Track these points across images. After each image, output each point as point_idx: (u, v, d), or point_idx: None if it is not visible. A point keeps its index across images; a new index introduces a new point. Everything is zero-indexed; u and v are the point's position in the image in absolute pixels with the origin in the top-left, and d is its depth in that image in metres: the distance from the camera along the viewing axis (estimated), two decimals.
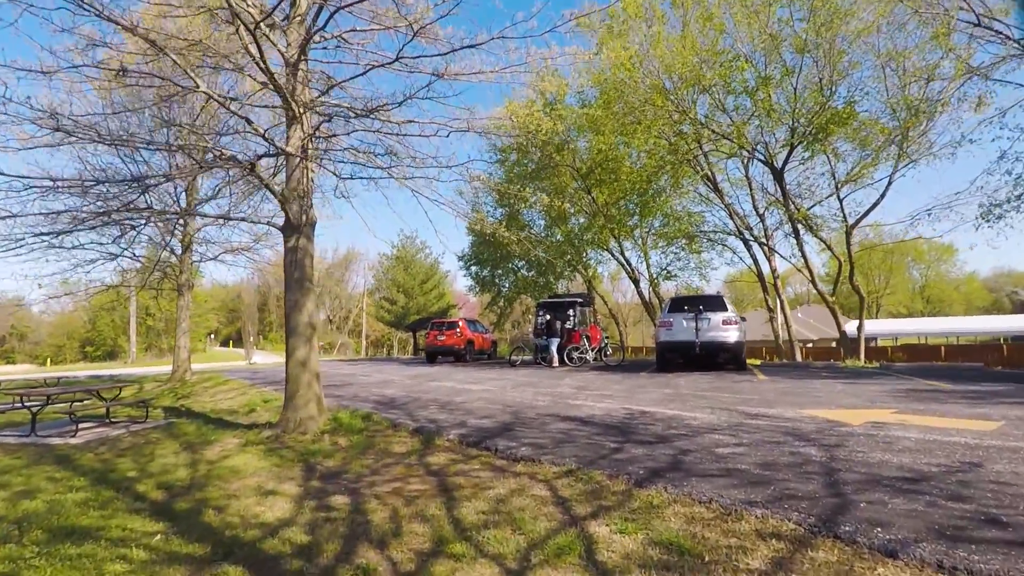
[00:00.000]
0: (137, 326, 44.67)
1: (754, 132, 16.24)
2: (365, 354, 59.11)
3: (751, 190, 19.30)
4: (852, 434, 5.28)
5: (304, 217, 7.78)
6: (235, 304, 72.84)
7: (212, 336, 65.61)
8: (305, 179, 7.80)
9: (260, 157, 6.80)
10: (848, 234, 16.23)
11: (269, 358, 45.46)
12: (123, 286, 18.21)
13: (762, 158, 16.97)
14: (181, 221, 17.08)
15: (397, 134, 8.50)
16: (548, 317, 17.02)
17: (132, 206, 8.08)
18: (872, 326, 43.49)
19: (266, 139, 6.49)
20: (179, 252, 17.40)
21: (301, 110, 7.63)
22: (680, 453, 4.87)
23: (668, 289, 26.14)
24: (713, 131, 16.10)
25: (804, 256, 17.89)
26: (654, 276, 24.82)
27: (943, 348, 28.38)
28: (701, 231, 20.31)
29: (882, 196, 15.52)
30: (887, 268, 62.94)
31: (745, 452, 4.78)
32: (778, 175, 16.82)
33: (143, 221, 12.37)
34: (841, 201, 16.19)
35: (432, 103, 8.20)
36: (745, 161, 19.18)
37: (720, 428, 5.80)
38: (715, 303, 12.23)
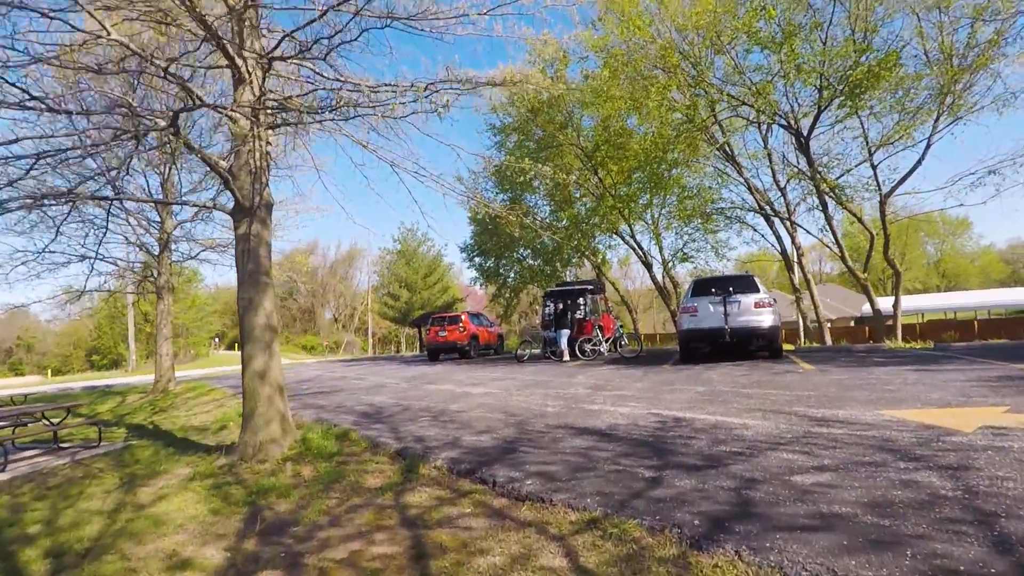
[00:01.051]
0: (137, 333, 43.68)
1: (777, 96, 14.74)
2: (372, 352, 58.10)
3: (771, 162, 17.82)
4: (972, 447, 3.92)
5: (258, 198, 6.45)
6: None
7: (217, 340, 64.76)
8: (256, 150, 6.46)
9: (179, 112, 5.45)
10: (882, 204, 14.73)
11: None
12: (100, 291, 16.97)
13: (784, 124, 15.45)
14: (158, 216, 15.86)
15: (373, 105, 7.17)
16: (557, 307, 15.65)
17: (54, 191, 6.79)
18: (883, 304, 41.90)
19: (186, 90, 5.15)
20: (156, 251, 16.15)
21: (249, 67, 6.30)
22: (744, 485, 3.53)
23: (681, 273, 24.73)
24: (732, 97, 14.60)
25: (832, 230, 16.40)
26: (667, 259, 23.40)
27: (976, 323, 26.82)
28: (718, 208, 18.85)
29: (920, 160, 13.99)
30: (902, 243, 61.10)
31: (835, 482, 3.44)
32: (803, 143, 15.30)
33: (106, 215, 11.12)
34: (875, 168, 14.67)
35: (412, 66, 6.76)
36: (764, 131, 17.68)
37: (785, 442, 4.45)
38: (745, 284, 10.83)
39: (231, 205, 6.63)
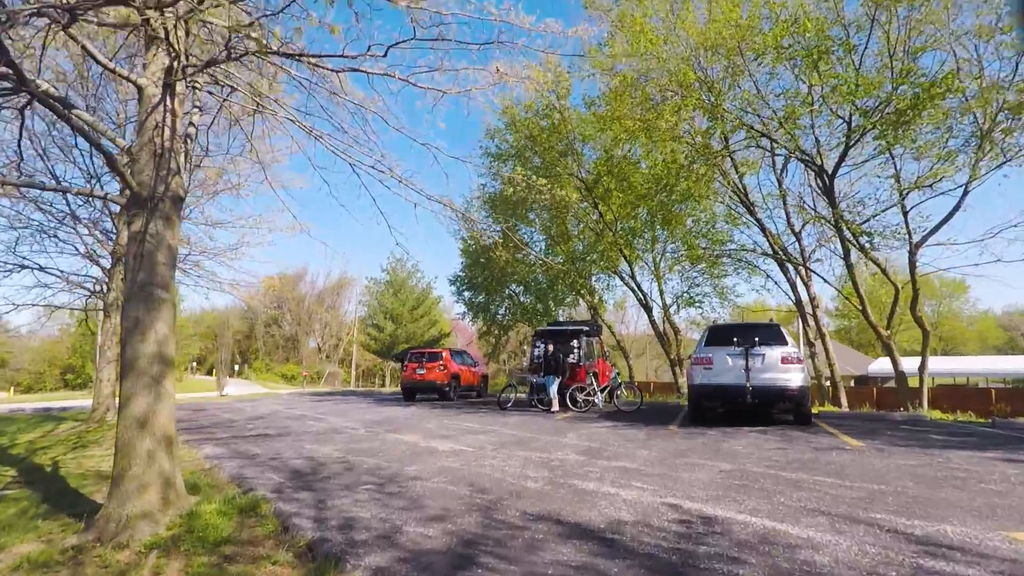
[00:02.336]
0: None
1: (800, 131, 13.45)
2: (355, 384, 55.79)
3: (785, 204, 16.52)
4: None
5: (161, 187, 4.91)
6: (223, 330, 69.75)
7: (195, 364, 62.43)
8: (165, 126, 4.96)
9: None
10: (912, 253, 13.32)
11: (251, 387, 42.22)
12: (40, 305, 15.25)
13: (807, 160, 14.15)
14: (113, 226, 14.29)
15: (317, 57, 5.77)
16: (547, 349, 13.97)
17: None
18: (887, 364, 40.53)
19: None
20: (109, 265, 14.54)
21: (164, 28, 4.84)
22: None
23: (680, 320, 23.16)
24: (750, 128, 13.33)
25: (853, 280, 14.96)
26: (668, 304, 21.90)
27: (993, 392, 25.25)
28: (727, 251, 17.43)
29: (957, 206, 12.62)
30: (902, 302, 60.02)
31: None
32: (826, 183, 13.96)
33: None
34: (905, 214, 13.29)
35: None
36: (780, 170, 16.43)
37: None
38: (771, 335, 9.25)
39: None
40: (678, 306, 20.06)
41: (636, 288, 21.90)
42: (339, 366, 60.80)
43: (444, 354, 18.23)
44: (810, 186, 16.16)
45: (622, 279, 22.60)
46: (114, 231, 14.32)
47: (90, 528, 4.53)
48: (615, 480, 5.37)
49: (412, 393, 18.47)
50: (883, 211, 13.89)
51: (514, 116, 19.34)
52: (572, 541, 3.71)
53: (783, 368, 8.80)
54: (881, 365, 41.13)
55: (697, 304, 19.05)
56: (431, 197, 6.06)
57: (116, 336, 14.71)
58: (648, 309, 22.02)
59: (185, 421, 12.86)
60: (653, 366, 61.73)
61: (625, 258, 21.22)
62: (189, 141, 5.56)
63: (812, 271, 16.71)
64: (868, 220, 14.51)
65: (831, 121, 13.30)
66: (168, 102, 4.98)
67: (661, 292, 22.15)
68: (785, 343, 9.07)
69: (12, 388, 48.84)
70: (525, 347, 32.99)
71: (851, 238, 14.44)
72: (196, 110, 5.81)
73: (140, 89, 4.99)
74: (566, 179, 20.59)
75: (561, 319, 25.53)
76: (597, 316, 24.85)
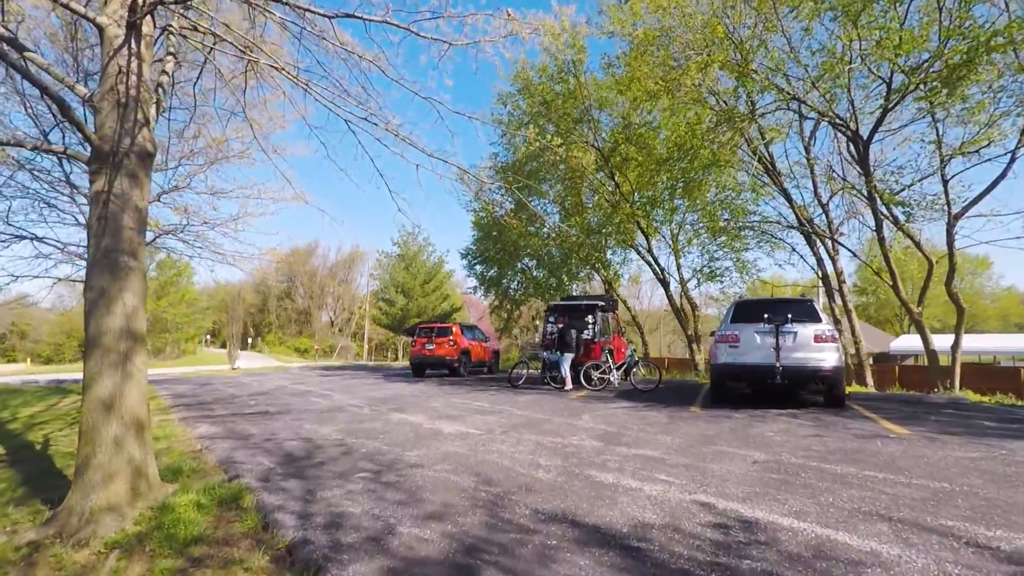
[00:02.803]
0: None
1: (835, 91, 12.45)
2: (367, 358, 55.74)
3: (812, 174, 15.61)
4: None
5: (127, 141, 4.34)
6: (235, 304, 69.91)
7: (209, 337, 62.80)
8: (130, 72, 4.37)
9: None
10: (951, 225, 12.41)
11: (263, 361, 42.21)
12: (43, 276, 14.86)
13: (841, 124, 13.20)
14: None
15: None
16: (560, 325, 13.38)
17: None
18: (909, 342, 39.59)
19: None
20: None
21: None
22: None
23: (697, 296, 22.37)
24: (781, 90, 12.39)
25: (884, 254, 14.10)
26: (685, 279, 21.15)
27: (1022, 371, 24.35)
28: (751, 223, 16.56)
29: (1003, 174, 11.65)
30: (921, 278, 58.50)
31: None
32: (861, 149, 13.05)
33: None
34: (946, 183, 12.35)
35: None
36: (808, 137, 15.48)
37: None
38: (803, 311, 8.56)
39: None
40: (698, 280, 19.25)
41: (653, 262, 21.16)
42: (351, 340, 60.83)
43: (454, 329, 17.72)
44: (840, 154, 15.23)
45: (638, 252, 21.84)
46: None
47: (52, 521, 4.08)
48: (637, 471, 4.82)
49: (421, 369, 18.05)
50: (921, 180, 12.98)
51: (527, 81, 18.46)
52: (590, 550, 3.18)
53: (816, 347, 8.15)
54: (904, 343, 40.16)
55: (718, 278, 18.23)
56: (433, 155, 5.43)
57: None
58: (665, 284, 21.28)
59: (187, 396, 12.53)
60: (667, 341, 61.02)
61: (642, 231, 20.46)
62: (162, 91, 4.96)
63: (840, 244, 15.85)
64: (904, 190, 13.61)
65: (868, 84, 12.33)
66: (133, 44, 4.38)
67: (679, 266, 21.41)
68: (819, 320, 8.39)
69: (30, 359, 49.41)
70: (538, 322, 32.56)
71: (884, 210, 13.57)
72: (170, 57, 5.20)
73: (100, 29, 4.39)
74: (581, 147, 19.81)
75: (575, 293, 24.89)
76: (612, 290, 24.18)
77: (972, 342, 40.83)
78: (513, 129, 19.58)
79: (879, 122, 12.48)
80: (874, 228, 14.05)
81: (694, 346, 20.81)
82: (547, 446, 5.97)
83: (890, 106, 11.85)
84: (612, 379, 12.79)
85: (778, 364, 8.17)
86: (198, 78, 6.90)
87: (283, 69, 4.94)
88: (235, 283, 73.24)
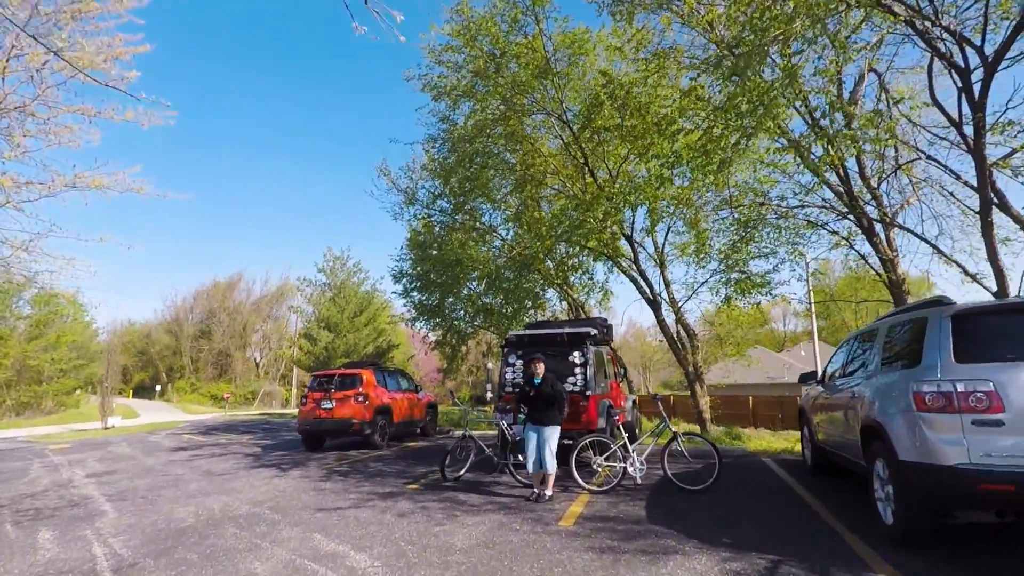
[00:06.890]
0: None
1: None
2: (298, 403, 48.24)
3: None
4: None
5: None
6: (144, 345, 61.14)
7: (105, 386, 53.88)
8: None
9: None
10: None
11: (164, 413, 34.49)
12: None
13: (945, 53, 8.49)
14: None
15: None
16: (534, 368, 7.32)
17: None
18: None
19: None
20: None
21: None
22: None
23: (693, 321, 16.82)
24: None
25: (991, 240, 9.29)
26: (677, 300, 16.01)
27: None
28: (788, 207, 11.43)
29: None
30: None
31: None
32: (970, 89, 8.24)
33: None
34: None
35: None
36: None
37: None
38: None
39: None
40: (728, 292, 13.49)
41: (639, 276, 15.90)
42: (280, 384, 53.13)
43: (364, 376, 11.71)
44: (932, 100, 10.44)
45: (620, 268, 16.61)
46: None
47: None
48: None
49: (316, 439, 11.96)
50: None
51: (468, 24, 13.14)
52: None
53: None
54: None
55: (757, 288, 12.67)
56: None
57: None
58: (656, 305, 16.05)
59: None
60: (649, 379, 55.76)
61: (626, 237, 15.37)
62: None
63: (936, 247, 10.90)
64: (1011, 155, 9.03)
65: None
66: None
67: (667, 284, 16.32)
68: None
69: None
70: (489, 363, 26.50)
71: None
72: None
73: None
74: (544, 122, 14.67)
75: (541, 319, 19.35)
76: (585, 314, 18.78)
77: None
78: (449, 99, 14.31)
79: (1009, 42, 7.60)
80: (977, 211, 9.15)
81: (697, 387, 15.57)
82: None
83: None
84: (630, 470, 7.06)
85: None
86: None
87: None
88: (141, 323, 64.55)
